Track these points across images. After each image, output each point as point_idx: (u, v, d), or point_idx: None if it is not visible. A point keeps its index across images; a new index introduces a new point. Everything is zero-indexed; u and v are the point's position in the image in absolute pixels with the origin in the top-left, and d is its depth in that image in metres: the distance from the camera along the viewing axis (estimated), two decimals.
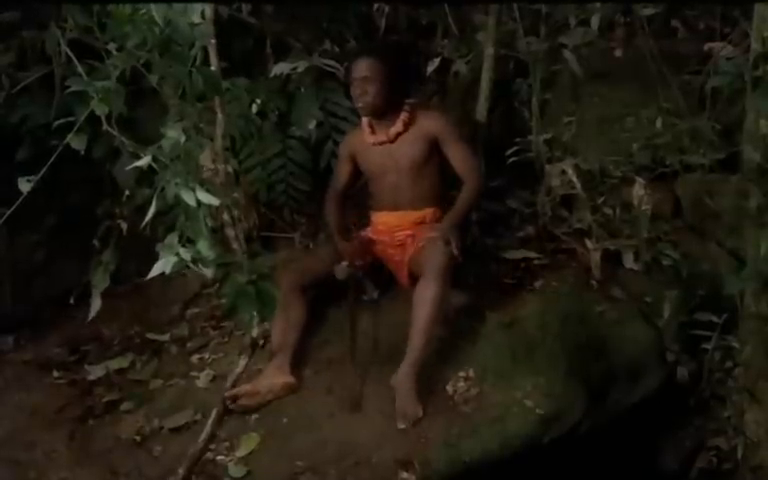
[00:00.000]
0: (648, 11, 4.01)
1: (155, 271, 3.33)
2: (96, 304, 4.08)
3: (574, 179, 3.88)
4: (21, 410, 3.77)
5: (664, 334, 3.70)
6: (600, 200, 3.91)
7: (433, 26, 4.43)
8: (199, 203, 3.34)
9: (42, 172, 3.19)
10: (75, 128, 3.28)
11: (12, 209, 3.10)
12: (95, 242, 4.27)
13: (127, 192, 4.22)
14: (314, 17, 4.79)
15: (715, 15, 4.04)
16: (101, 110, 3.32)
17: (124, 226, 4.22)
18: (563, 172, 3.90)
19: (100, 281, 4.07)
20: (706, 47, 3.94)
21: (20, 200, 3.06)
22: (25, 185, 3.19)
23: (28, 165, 3.80)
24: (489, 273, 3.98)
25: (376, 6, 4.64)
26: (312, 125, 4.43)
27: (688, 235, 3.94)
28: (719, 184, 3.82)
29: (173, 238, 3.39)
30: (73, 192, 4.48)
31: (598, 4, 3.94)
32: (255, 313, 3.65)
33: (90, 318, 4.09)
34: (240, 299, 3.61)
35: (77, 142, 3.32)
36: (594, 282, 3.86)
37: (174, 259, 3.32)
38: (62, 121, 3.25)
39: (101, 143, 3.95)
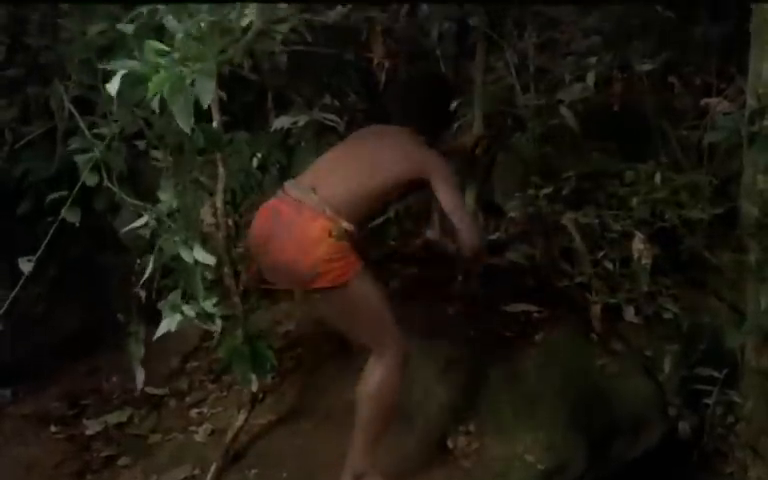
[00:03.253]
0: (645, 67, 4.05)
1: (161, 330, 3.35)
2: (140, 376, 4.04)
3: (574, 232, 3.90)
4: (19, 464, 3.75)
5: (665, 388, 3.69)
6: (600, 254, 3.92)
7: None
8: (197, 261, 3.36)
9: (43, 237, 3.23)
10: (74, 193, 3.30)
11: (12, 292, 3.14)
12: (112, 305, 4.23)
13: (129, 248, 4.22)
14: (315, 71, 4.84)
15: (711, 71, 4.08)
16: (102, 166, 3.36)
17: (142, 294, 4.10)
18: (563, 226, 3.92)
19: (136, 352, 4.04)
20: (703, 102, 3.99)
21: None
22: (26, 265, 3.24)
23: (29, 218, 3.84)
24: (490, 326, 3.98)
25: (376, 61, 4.68)
26: None
27: (688, 288, 3.95)
28: (719, 237, 3.84)
29: (176, 296, 3.41)
30: (74, 243, 4.48)
31: (594, 60, 3.98)
32: (249, 373, 3.62)
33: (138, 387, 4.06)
34: (235, 358, 3.60)
35: (72, 214, 3.35)
36: (595, 335, 3.86)
37: (179, 317, 3.35)
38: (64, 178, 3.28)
39: (102, 196, 3.97)
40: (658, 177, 3.76)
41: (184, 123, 2.71)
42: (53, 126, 4.03)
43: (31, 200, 4.18)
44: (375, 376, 3.09)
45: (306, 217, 3.09)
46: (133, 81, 2.92)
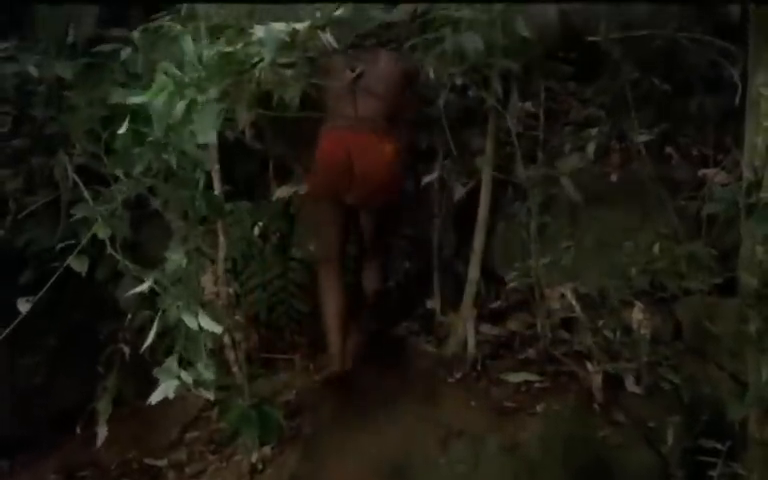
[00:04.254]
0: (643, 138, 4.10)
1: (157, 396, 3.32)
2: (102, 432, 4.03)
3: (574, 302, 3.91)
4: None
5: (668, 460, 3.65)
6: (600, 323, 3.92)
7: (433, 150, 4.52)
8: (200, 327, 3.36)
9: (43, 291, 3.23)
10: (77, 249, 3.33)
11: (10, 328, 3.12)
12: (99, 368, 4.25)
13: (129, 315, 4.23)
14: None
15: (708, 142, 4.14)
16: (105, 234, 3.38)
17: (126, 350, 4.20)
18: (563, 295, 3.92)
19: (105, 408, 4.04)
20: (700, 173, 4.03)
21: (18, 320, 3.08)
22: (24, 305, 3.23)
23: (30, 288, 3.84)
24: (490, 396, 3.96)
25: None
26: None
27: (689, 358, 3.94)
28: (719, 307, 3.84)
29: (172, 361, 3.40)
30: (74, 313, 4.49)
31: (593, 131, 4.03)
32: (257, 437, 3.61)
33: (98, 446, 4.03)
34: (242, 423, 3.58)
35: (78, 264, 3.36)
36: (596, 405, 3.84)
37: (175, 383, 3.32)
38: (65, 244, 3.30)
39: (104, 265, 3.99)
40: (657, 247, 3.78)
41: (158, 128, 2.78)
42: (57, 196, 4.08)
43: (33, 270, 4.19)
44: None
45: (375, 141, 3.98)
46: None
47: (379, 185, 4.02)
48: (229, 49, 2.88)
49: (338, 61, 3.99)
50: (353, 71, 4.00)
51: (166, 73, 2.76)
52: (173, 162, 3.15)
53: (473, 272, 4.21)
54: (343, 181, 4.00)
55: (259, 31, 2.87)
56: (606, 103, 4.30)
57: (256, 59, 2.88)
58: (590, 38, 3.99)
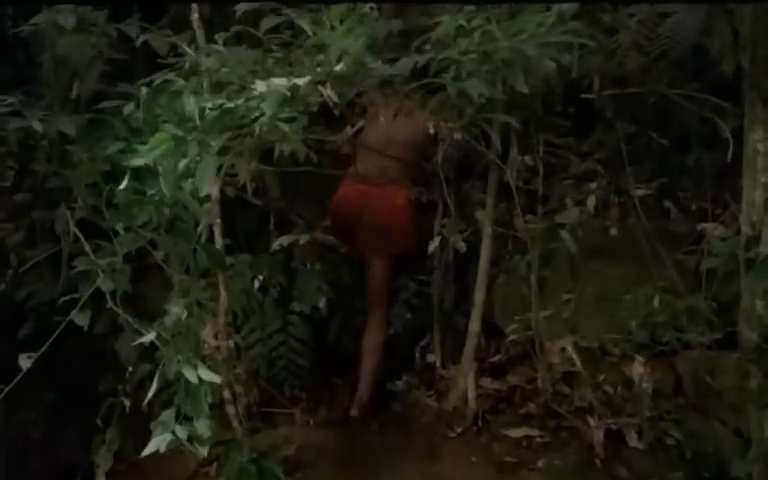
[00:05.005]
0: (641, 192, 4.13)
1: (149, 449, 3.30)
2: None
3: (574, 356, 3.90)
4: None
5: None
6: (601, 377, 3.91)
7: (433, 204, 4.55)
8: (201, 380, 3.35)
9: (44, 348, 3.23)
10: (79, 304, 3.33)
11: (10, 387, 3.11)
12: (98, 422, 4.22)
13: (130, 369, 4.21)
14: (317, 194, 4.92)
15: (706, 196, 4.16)
16: (106, 287, 3.39)
17: (127, 404, 4.17)
18: (563, 349, 3.92)
19: (104, 462, 4.00)
20: (699, 227, 4.05)
21: (18, 377, 3.07)
22: (25, 362, 3.22)
23: (30, 342, 3.84)
24: (491, 451, 3.93)
25: None
26: (322, 303, 4.48)
27: (690, 413, 3.92)
28: (719, 361, 3.83)
29: (169, 415, 3.37)
30: (73, 367, 4.47)
31: (592, 185, 4.06)
32: None
33: None
34: (242, 478, 3.55)
35: (81, 319, 3.36)
36: (597, 461, 3.81)
37: (169, 437, 3.30)
38: (66, 298, 3.30)
39: (104, 319, 3.98)
40: (656, 301, 3.78)
41: (167, 186, 2.80)
42: (58, 249, 4.08)
43: (33, 324, 4.19)
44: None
45: (390, 190, 4.24)
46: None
47: (389, 233, 4.24)
48: (230, 104, 2.91)
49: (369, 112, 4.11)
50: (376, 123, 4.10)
51: (167, 130, 2.79)
52: (174, 214, 3.17)
53: (474, 325, 4.21)
54: (351, 228, 4.25)
55: (260, 86, 2.91)
56: (604, 157, 4.33)
57: (257, 114, 2.91)
58: (585, 95, 4.03)
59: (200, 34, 3.80)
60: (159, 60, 3.50)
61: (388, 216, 4.30)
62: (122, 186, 3.08)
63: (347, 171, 4.46)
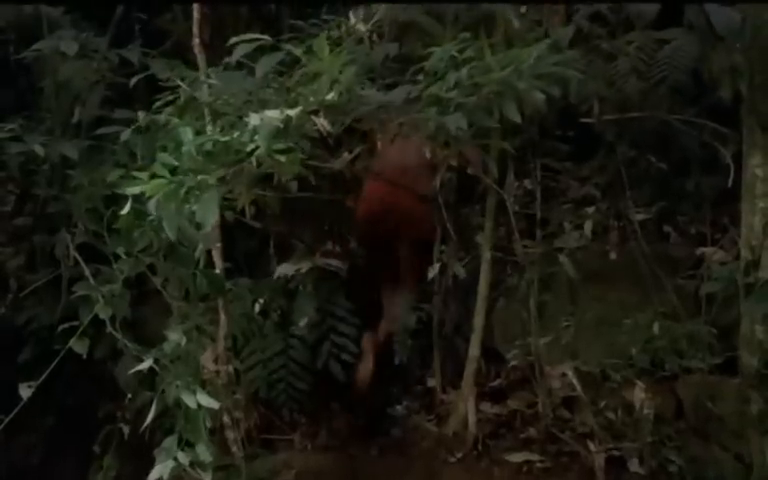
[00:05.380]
0: (640, 216, 4.14)
1: (152, 477, 3.29)
2: None
3: (574, 381, 3.89)
4: None
5: None
6: (602, 403, 3.90)
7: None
8: (200, 405, 3.34)
9: (44, 376, 3.22)
10: (79, 331, 3.33)
11: (10, 417, 3.11)
12: (97, 448, 4.22)
13: (129, 395, 4.20)
14: (317, 217, 4.93)
15: (705, 221, 4.17)
16: (105, 314, 3.39)
17: (126, 430, 4.16)
18: (563, 374, 3.91)
19: None
20: (698, 252, 4.05)
21: (19, 407, 3.07)
22: (25, 391, 3.22)
23: (30, 367, 3.84)
24: (491, 476, 3.92)
25: None
26: (303, 322, 4.47)
27: (692, 438, 3.90)
28: (720, 387, 3.82)
29: (171, 442, 3.37)
30: (72, 393, 4.46)
31: (590, 210, 4.07)
32: None
33: None
34: None
35: (80, 346, 3.36)
36: None
37: (172, 463, 3.29)
38: (66, 325, 3.30)
39: (103, 344, 3.98)
40: (656, 326, 3.78)
41: (170, 231, 2.80)
42: (58, 274, 4.09)
43: (33, 348, 4.19)
44: None
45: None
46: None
47: (419, 219, 4.37)
48: (225, 139, 2.92)
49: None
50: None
51: (164, 160, 2.80)
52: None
53: (473, 350, 4.20)
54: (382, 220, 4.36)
55: (253, 119, 2.91)
56: (604, 182, 4.34)
57: (252, 147, 2.92)
58: (585, 119, 4.04)
59: (201, 59, 3.82)
60: (160, 84, 3.51)
61: (417, 204, 4.33)
62: (123, 211, 3.09)
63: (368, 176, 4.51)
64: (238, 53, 3.21)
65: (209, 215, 2.83)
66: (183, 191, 2.82)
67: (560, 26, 4.03)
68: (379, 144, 4.37)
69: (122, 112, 3.84)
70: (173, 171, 2.82)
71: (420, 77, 3.24)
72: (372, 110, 3.51)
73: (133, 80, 3.67)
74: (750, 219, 3.24)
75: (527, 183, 4.28)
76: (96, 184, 3.78)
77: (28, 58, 4.25)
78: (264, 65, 3.19)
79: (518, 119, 2.93)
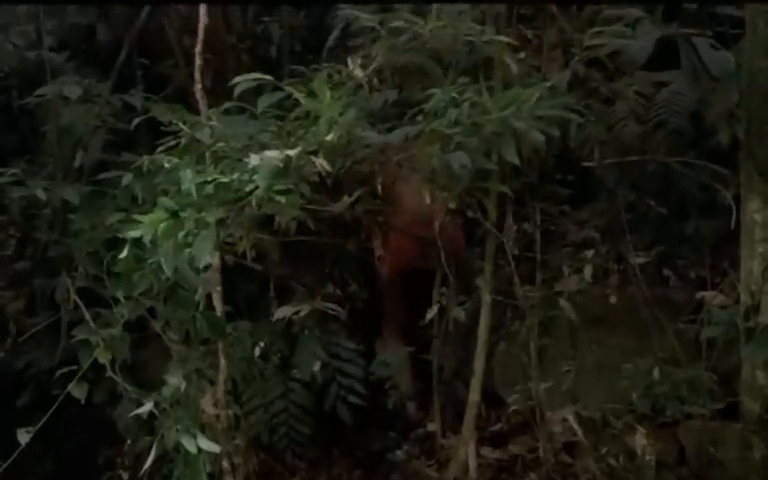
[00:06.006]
0: (640, 260, 4.14)
1: None
2: None
3: (575, 426, 3.87)
4: None
5: None
6: (603, 449, 3.87)
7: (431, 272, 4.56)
8: (199, 450, 3.32)
9: (43, 421, 3.21)
10: (78, 374, 3.33)
11: (8, 462, 3.09)
12: None
13: (128, 440, 4.18)
14: (318, 260, 4.93)
15: (705, 265, 4.16)
16: (105, 357, 3.39)
17: (125, 476, 4.12)
18: (564, 419, 3.89)
19: None
20: (698, 295, 4.04)
21: (17, 453, 3.05)
22: (24, 436, 3.21)
23: (29, 411, 3.83)
24: None
25: (377, 254, 4.79)
26: (317, 367, 4.46)
27: None
28: (722, 432, 3.79)
29: None
30: (71, 438, 4.44)
31: (590, 253, 4.07)
32: None
33: None
34: None
35: (79, 391, 3.35)
36: None
37: None
38: (66, 370, 3.29)
39: (102, 388, 3.97)
40: (657, 371, 3.76)
41: (168, 268, 2.81)
42: (57, 318, 4.09)
43: (32, 392, 4.18)
44: None
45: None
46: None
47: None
48: (225, 179, 2.94)
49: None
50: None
51: (164, 204, 2.82)
52: (174, 281, 3.19)
53: (474, 394, 4.17)
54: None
55: (253, 160, 2.93)
56: (603, 225, 4.34)
57: (251, 187, 2.94)
58: (584, 163, 4.06)
59: (203, 104, 3.85)
60: (162, 128, 3.54)
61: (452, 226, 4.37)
62: (123, 255, 3.10)
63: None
64: (240, 89, 3.25)
65: (204, 252, 2.84)
66: (183, 233, 2.84)
67: (558, 71, 4.08)
68: (379, 187, 4.38)
69: (124, 156, 3.88)
70: (174, 213, 2.84)
71: (419, 119, 3.27)
72: (372, 152, 3.55)
73: (135, 121, 3.71)
74: (749, 264, 3.24)
75: (526, 226, 4.27)
76: (97, 228, 3.80)
77: (31, 103, 4.29)
78: (264, 102, 3.23)
79: (516, 161, 2.95)
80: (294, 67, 3.69)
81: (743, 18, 3.44)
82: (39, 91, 4.18)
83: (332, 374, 4.53)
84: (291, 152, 2.93)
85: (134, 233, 2.89)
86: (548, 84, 3.07)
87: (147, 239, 2.80)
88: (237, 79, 3.28)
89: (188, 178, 2.89)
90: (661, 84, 4.17)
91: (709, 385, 3.70)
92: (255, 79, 3.26)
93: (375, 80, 3.73)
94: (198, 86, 3.90)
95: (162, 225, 2.77)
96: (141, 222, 2.86)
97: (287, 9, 5.53)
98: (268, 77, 3.24)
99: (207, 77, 4.02)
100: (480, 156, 3.04)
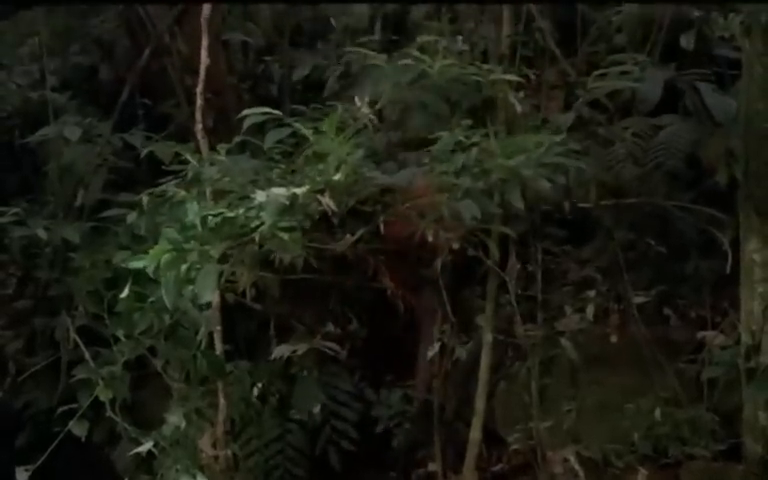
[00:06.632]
0: (640, 299, 4.14)
1: None
2: None
3: (577, 467, 3.84)
4: None
5: None
6: None
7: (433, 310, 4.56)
8: None
9: (42, 459, 3.19)
10: (78, 414, 3.32)
11: None
12: None
13: None
14: (318, 298, 4.93)
15: (705, 304, 4.17)
16: (105, 396, 3.38)
17: None
18: (565, 459, 3.87)
19: None
20: (699, 335, 4.04)
21: None
22: (22, 474, 3.19)
23: (27, 451, 3.80)
24: None
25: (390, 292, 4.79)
26: (317, 409, 4.44)
27: None
28: (724, 473, 3.77)
29: None
30: (70, 477, 4.39)
31: (592, 294, 4.08)
32: None
33: None
34: None
35: (79, 429, 3.34)
36: None
37: None
38: (65, 408, 3.28)
39: (102, 427, 3.95)
40: (658, 412, 3.75)
41: (168, 300, 2.80)
42: (57, 357, 4.08)
43: (30, 432, 4.15)
44: None
45: None
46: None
47: None
48: (230, 214, 2.95)
49: None
50: None
51: (168, 235, 2.83)
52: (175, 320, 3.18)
53: (475, 433, 4.15)
54: None
55: (260, 196, 2.94)
56: (603, 265, 4.35)
57: (256, 223, 2.94)
58: (583, 204, 4.08)
59: (203, 143, 3.87)
60: (163, 167, 3.55)
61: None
62: (124, 294, 3.10)
63: None
64: (248, 123, 3.26)
65: (208, 288, 2.84)
66: (185, 267, 2.84)
67: (558, 111, 4.11)
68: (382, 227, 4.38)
69: (125, 195, 3.89)
70: (177, 246, 2.85)
71: (425, 160, 3.29)
72: (376, 190, 3.57)
73: (139, 157, 3.73)
74: (749, 304, 3.25)
75: (528, 266, 4.28)
76: (97, 266, 3.80)
77: (33, 142, 4.32)
78: (272, 138, 3.23)
79: (522, 206, 2.97)
80: (295, 106, 3.71)
81: (740, 60, 3.49)
82: (41, 131, 4.21)
83: (327, 416, 4.51)
84: (298, 190, 2.94)
85: (137, 264, 2.89)
86: (552, 131, 3.09)
87: (150, 271, 2.80)
88: (246, 112, 3.29)
89: (194, 210, 2.90)
90: (659, 127, 4.20)
91: (711, 426, 3.69)
92: (263, 113, 3.28)
93: (379, 118, 3.76)
94: (199, 126, 3.92)
95: (165, 256, 2.77)
96: (144, 255, 2.86)
97: (288, 48, 5.59)
98: (276, 112, 3.25)
99: (208, 117, 4.04)
100: (485, 200, 3.05)
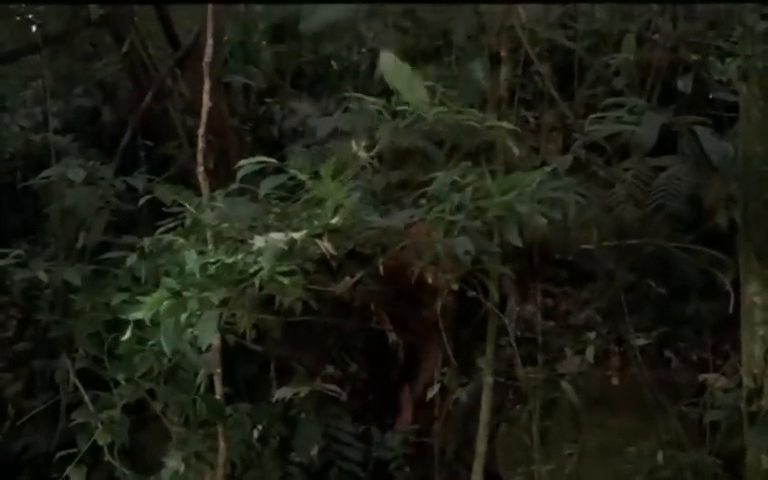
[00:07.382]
0: (641, 342, 4.13)
1: None
2: None
3: None
4: None
5: None
6: None
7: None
8: None
9: None
10: (77, 459, 3.30)
11: None
12: None
13: None
14: (318, 340, 4.92)
15: (706, 346, 4.16)
16: (104, 440, 3.36)
17: None
18: None
19: None
20: (701, 378, 4.03)
21: None
22: None
23: None
24: None
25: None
26: (314, 451, 4.41)
27: None
28: None
29: None
30: None
31: (592, 335, 4.07)
32: None
33: None
34: None
35: (77, 474, 3.32)
36: None
37: None
38: (63, 453, 3.26)
39: (100, 472, 3.91)
40: (660, 456, 3.73)
41: (167, 346, 2.79)
42: (57, 400, 4.06)
43: (28, 476, 4.13)
44: None
45: None
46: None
47: None
48: (229, 260, 2.95)
49: None
50: None
51: (167, 284, 2.83)
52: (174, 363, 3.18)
53: (476, 476, 4.11)
54: None
55: (258, 241, 2.95)
56: (604, 307, 4.35)
57: (255, 268, 2.95)
58: (584, 246, 4.08)
59: (205, 186, 3.88)
60: (164, 209, 3.56)
61: None
62: (125, 337, 3.10)
63: None
64: (243, 172, 3.27)
65: (208, 333, 2.84)
66: (186, 315, 2.85)
67: (557, 154, 4.13)
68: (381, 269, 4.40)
69: (126, 238, 3.90)
70: (177, 294, 2.85)
71: (422, 201, 3.30)
72: (374, 233, 3.57)
73: (140, 202, 3.73)
74: (750, 347, 3.24)
75: (529, 308, 4.28)
76: (98, 309, 3.79)
77: (35, 184, 4.33)
78: (268, 184, 3.25)
79: (519, 243, 2.98)
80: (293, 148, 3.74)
81: (737, 103, 3.51)
82: (44, 173, 4.22)
83: (332, 457, 4.48)
84: (296, 235, 2.95)
85: (136, 315, 2.89)
86: (549, 169, 3.10)
87: (148, 318, 2.80)
88: (241, 162, 3.31)
89: (192, 258, 2.91)
90: (658, 169, 4.22)
91: (713, 469, 3.67)
92: (259, 162, 3.30)
93: (376, 161, 3.77)
94: (200, 168, 3.93)
95: (165, 304, 2.77)
96: (143, 302, 2.87)
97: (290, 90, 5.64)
98: (272, 160, 3.27)
99: (209, 159, 4.05)
100: (483, 239, 3.06)
